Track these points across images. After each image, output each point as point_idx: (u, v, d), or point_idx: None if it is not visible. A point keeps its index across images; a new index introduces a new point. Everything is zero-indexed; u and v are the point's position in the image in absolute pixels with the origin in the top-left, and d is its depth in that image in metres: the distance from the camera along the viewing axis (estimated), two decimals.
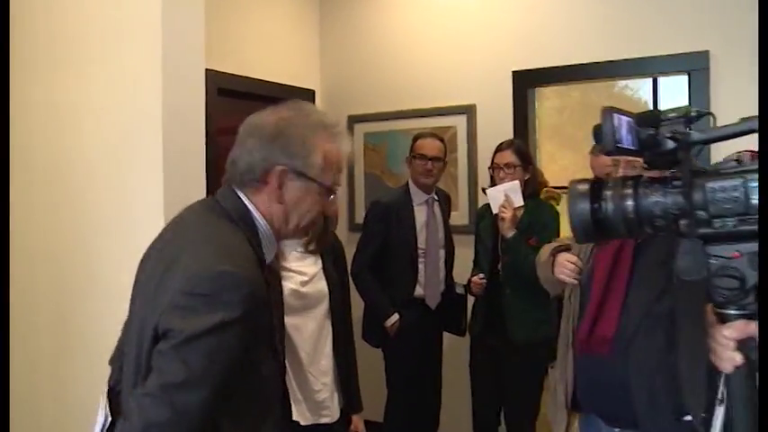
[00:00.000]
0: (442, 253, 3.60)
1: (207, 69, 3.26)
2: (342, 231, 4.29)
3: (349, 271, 3.52)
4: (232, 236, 1.37)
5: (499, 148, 3.32)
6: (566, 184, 4.09)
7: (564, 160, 5.14)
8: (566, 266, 2.17)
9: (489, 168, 3.35)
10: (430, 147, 3.50)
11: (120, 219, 2.46)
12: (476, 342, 3.44)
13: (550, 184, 4.04)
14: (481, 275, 3.30)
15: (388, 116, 4.18)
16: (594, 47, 3.61)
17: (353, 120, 4.27)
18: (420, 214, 3.55)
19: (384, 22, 4.26)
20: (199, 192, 2.51)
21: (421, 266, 3.51)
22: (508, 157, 3.25)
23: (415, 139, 3.56)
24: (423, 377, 3.57)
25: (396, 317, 3.43)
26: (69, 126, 2.56)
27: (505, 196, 3.14)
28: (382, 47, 4.26)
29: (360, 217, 4.22)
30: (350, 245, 4.16)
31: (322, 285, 2.40)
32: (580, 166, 4.94)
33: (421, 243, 3.52)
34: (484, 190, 3.38)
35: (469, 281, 3.40)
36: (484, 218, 3.42)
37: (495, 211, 3.19)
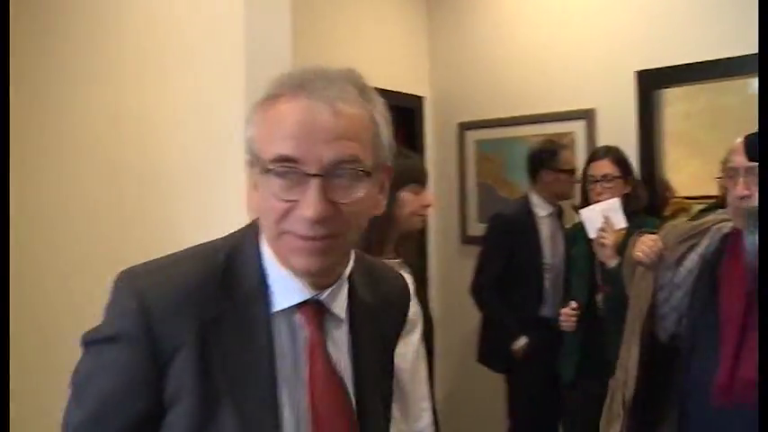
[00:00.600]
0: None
1: None
2: (453, 244, 4.15)
3: (468, 288, 3.39)
4: (191, 257, 1.06)
5: (593, 158, 2.95)
6: (694, 194, 3.74)
7: (690, 168, 4.78)
8: (645, 244, 1.95)
9: (581, 182, 2.99)
10: (571, 161, 3.29)
11: (201, 230, 2.40)
12: (567, 386, 3.03)
13: (677, 195, 3.74)
14: (573, 305, 2.87)
15: (502, 122, 3.96)
16: (730, 40, 3.22)
17: (465, 127, 4.09)
18: (545, 227, 3.31)
19: (496, 22, 4.03)
20: None
21: (546, 284, 3.26)
22: (605, 167, 2.87)
23: (555, 151, 3.30)
24: (547, 406, 3.29)
25: (524, 339, 3.17)
26: (155, 136, 2.52)
27: (604, 218, 2.73)
28: (494, 49, 4.03)
29: (472, 229, 4.06)
30: (462, 258, 4.02)
31: (417, 308, 2.25)
32: (710, 175, 4.59)
33: (546, 258, 3.28)
34: (576, 210, 2.99)
35: (559, 313, 2.99)
36: (576, 242, 3.02)
37: (591, 235, 2.76)
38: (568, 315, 2.87)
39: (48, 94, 2.97)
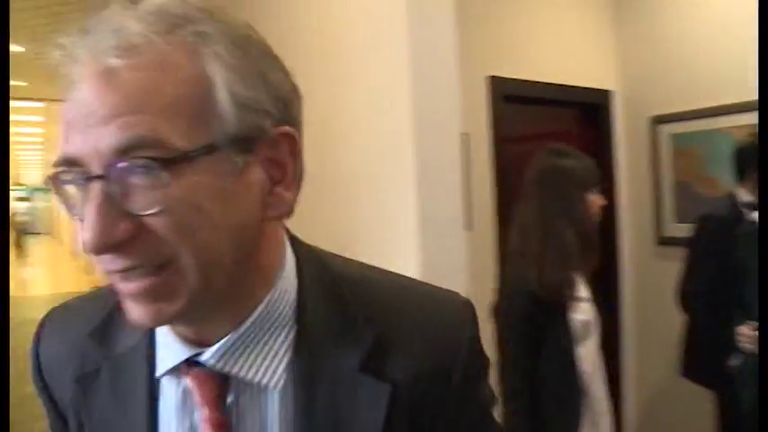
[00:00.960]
0: None
1: (492, 77, 3.16)
2: (647, 246, 3.91)
3: (674, 295, 3.14)
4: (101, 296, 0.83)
5: None
6: None
7: None
8: None
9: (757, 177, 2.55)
10: None
11: (375, 232, 2.41)
12: (749, 412, 2.65)
13: None
14: (755, 324, 2.52)
15: (700, 114, 3.62)
16: None
17: (658, 120, 3.79)
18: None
19: (690, 1, 3.68)
20: (454, 206, 2.29)
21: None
22: None
23: None
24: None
25: (743, 355, 2.79)
26: (333, 141, 2.57)
27: None
28: (688, 31, 3.66)
29: (668, 230, 3.78)
30: (658, 260, 3.78)
31: (595, 310, 2.32)
32: None
33: None
34: (751, 209, 2.63)
35: (736, 331, 2.65)
36: (752, 248, 2.42)
37: None
38: (748, 335, 2.58)
39: None
